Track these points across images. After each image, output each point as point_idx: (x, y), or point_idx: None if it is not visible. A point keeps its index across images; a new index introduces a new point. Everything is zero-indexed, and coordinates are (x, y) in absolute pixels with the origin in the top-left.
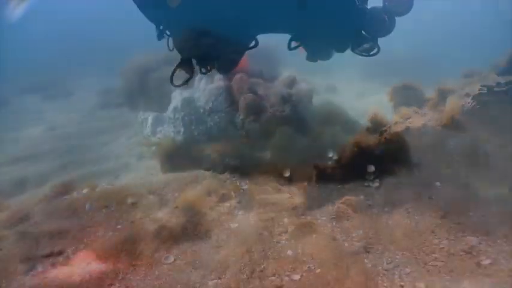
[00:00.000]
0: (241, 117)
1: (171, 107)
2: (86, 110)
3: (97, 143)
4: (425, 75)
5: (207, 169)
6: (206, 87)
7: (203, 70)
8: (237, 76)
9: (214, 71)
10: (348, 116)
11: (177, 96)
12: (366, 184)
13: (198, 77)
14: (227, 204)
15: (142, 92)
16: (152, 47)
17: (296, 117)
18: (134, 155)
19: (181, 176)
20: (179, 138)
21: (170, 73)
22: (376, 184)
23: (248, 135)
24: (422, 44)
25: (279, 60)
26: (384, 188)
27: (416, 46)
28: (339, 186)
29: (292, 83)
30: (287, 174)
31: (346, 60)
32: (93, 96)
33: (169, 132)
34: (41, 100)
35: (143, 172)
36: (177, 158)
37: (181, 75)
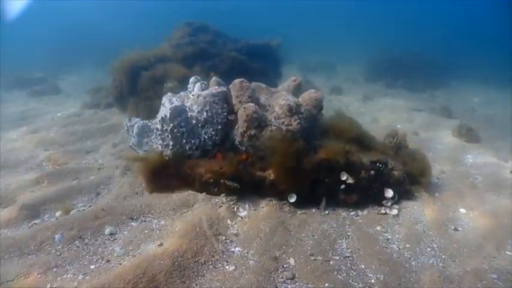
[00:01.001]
0: (240, 130)
1: (158, 117)
2: (73, 109)
3: (80, 149)
4: (434, 77)
5: (200, 190)
6: (200, 93)
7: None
8: (236, 81)
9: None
10: (363, 130)
11: (166, 104)
12: (382, 211)
13: (191, 80)
14: (222, 237)
15: (132, 92)
16: (144, 44)
17: (305, 133)
18: (119, 166)
19: (169, 199)
20: (168, 152)
21: (163, 72)
22: (395, 211)
23: (248, 152)
24: (427, 44)
25: (281, 59)
26: (403, 217)
27: (421, 45)
28: (352, 212)
29: (298, 88)
30: (293, 199)
31: (347, 59)
32: (83, 94)
33: (157, 145)
34: (27, 96)
35: (127, 189)
36: (165, 175)
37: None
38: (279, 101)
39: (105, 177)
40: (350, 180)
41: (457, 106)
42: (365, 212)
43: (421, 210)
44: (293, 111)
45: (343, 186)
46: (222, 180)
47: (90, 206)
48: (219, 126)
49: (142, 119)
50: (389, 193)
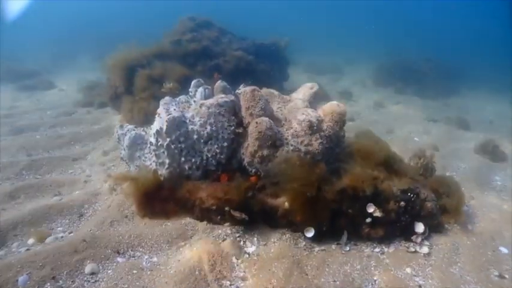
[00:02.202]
0: (250, 149)
1: (153, 129)
2: (64, 107)
3: (67, 156)
4: (445, 84)
5: (200, 218)
6: (203, 102)
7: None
8: (248, 90)
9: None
10: (392, 152)
11: (162, 114)
12: (412, 249)
13: (193, 83)
14: (226, 282)
15: (128, 92)
16: (143, 39)
17: (326, 154)
18: (108, 180)
19: (163, 228)
20: (163, 172)
21: (161, 71)
22: (426, 249)
23: (258, 175)
24: (436, 49)
25: (289, 60)
26: (435, 256)
27: (430, 50)
28: (377, 249)
29: (314, 96)
30: (310, 233)
31: (354, 61)
32: (77, 90)
33: (150, 162)
34: (17, 90)
35: (115, 211)
36: (159, 199)
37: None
38: (298, 115)
39: (92, 194)
40: (378, 214)
41: (472, 116)
42: (391, 248)
43: (455, 249)
44: (314, 128)
45: (369, 220)
46: (227, 208)
47: (70, 233)
48: (225, 143)
49: (136, 126)
50: (420, 228)
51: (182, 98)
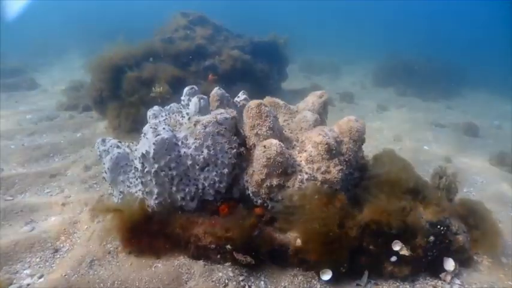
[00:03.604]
0: (256, 177)
1: (138, 151)
2: (46, 111)
3: (44, 171)
4: (446, 85)
5: (196, 256)
6: (199, 120)
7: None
8: (253, 105)
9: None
10: (418, 176)
11: (149, 135)
12: None
13: (186, 91)
14: None
15: (114, 96)
16: (132, 37)
17: (346, 181)
18: (89, 203)
19: (152, 271)
20: (151, 203)
21: (151, 73)
22: None
23: (265, 206)
24: (435, 48)
25: (287, 59)
26: None
27: (429, 50)
28: None
29: (324, 107)
30: (327, 277)
31: (352, 60)
32: (61, 91)
33: (136, 189)
34: None
35: (96, 245)
36: (148, 235)
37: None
38: (313, 136)
39: (69, 222)
40: (405, 252)
41: (478, 120)
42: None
43: None
44: (333, 152)
45: (394, 259)
46: (228, 247)
47: (40, 277)
48: (225, 170)
49: (120, 140)
50: (450, 265)
51: (174, 106)
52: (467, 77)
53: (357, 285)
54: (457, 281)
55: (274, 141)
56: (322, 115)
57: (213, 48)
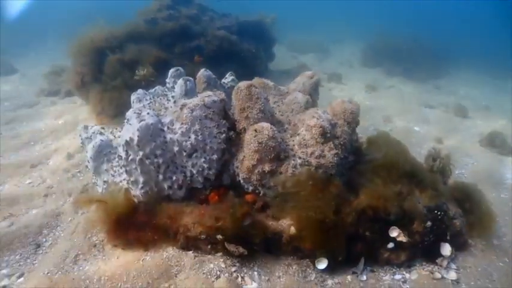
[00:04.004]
0: (247, 163)
1: (121, 138)
2: (25, 98)
3: (24, 161)
4: (434, 65)
5: (185, 247)
6: (185, 103)
7: None
8: (242, 86)
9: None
10: (415, 160)
11: (132, 120)
12: (438, 275)
13: (171, 73)
14: None
15: (96, 80)
16: (114, 18)
17: (341, 166)
18: (73, 193)
19: (140, 264)
20: (137, 193)
21: (134, 55)
22: (453, 275)
23: (257, 193)
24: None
25: (275, 39)
26: (466, 285)
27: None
28: (398, 276)
29: (315, 87)
30: (322, 265)
31: (339, 39)
32: (42, 76)
33: (121, 179)
34: None
35: (81, 239)
36: (134, 226)
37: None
38: (307, 119)
39: (52, 214)
40: (403, 238)
41: (466, 101)
42: (414, 274)
43: (488, 274)
44: (327, 136)
45: (391, 245)
46: (219, 237)
47: (19, 277)
48: (214, 156)
49: (103, 126)
50: (447, 250)
51: (158, 89)
52: (453, 57)
53: (353, 272)
54: (453, 266)
55: (266, 125)
56: (313, 96)
57: (198, 29)
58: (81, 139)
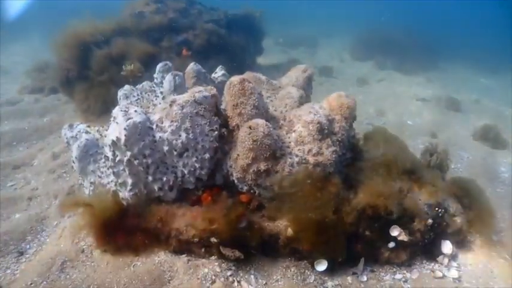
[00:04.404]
0: (241, 162)
1: (108, 137)
2: (7, 95)
3: (7, 162)
4: (424, 58)
5: (178, 251)
6: (175, 99)
7: None
8: (234, 81)
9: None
10: (414, 155)
11: (119, 118)
12: (439, 273)
13: (159, 68)
14: None
15: (82, 76)
16: (101, 12)
17: (341, 166)
18: (58, 195)
19: (131, 270)
20: (125, 195)
21: (121, 50)
22: (454, 273)
23: (252, 193)
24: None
25: (263, 32)
26: (467, 282)
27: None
28: (398, 276)
29: (308, 82)
30: (322, 267)
31: (329, 33)
32: (25, 73)
33: (108, 180)
34: None
35: (67, 244)
36: (124, 230)
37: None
38: (303, 115)
39: (36, 218)
40: (404, 238)
41: (458, 94)
42: (415, 273)
43: (488, 271)
44: (325, 132)
45: (392, 245)
46: (214, 240)
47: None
48: (206, 155)
49: (89, 125)
50: (447, 248)
51: (146, 85)
52: (443, 50)
53: (353, 273)
54: (454, 264)
55: (261, 122)
56: (306, 90)
57: (186, 23)
58: (66, 138)
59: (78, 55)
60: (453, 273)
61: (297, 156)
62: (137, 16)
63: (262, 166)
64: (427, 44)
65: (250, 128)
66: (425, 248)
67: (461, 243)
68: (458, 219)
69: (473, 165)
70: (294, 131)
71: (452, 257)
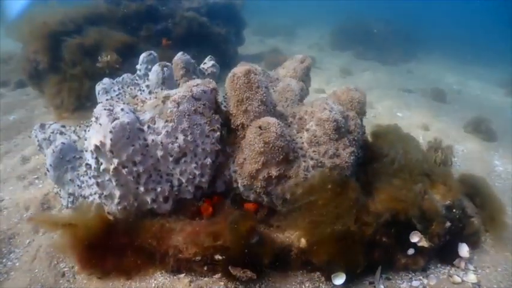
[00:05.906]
0: (250, 167)
1: (89, 141)
2: None
3: None
4: (403, 48)
5: (177, 270)
6: (168, 94)
7: None
8: (240, 73)
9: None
10: (427, 154)
11: (103, 119)
12: (457, 279)
13: (143, 58)
14: None
15: (53, 68)
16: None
17: (358, 169)
18: (30, 206)
19: None
20: (112, 209)
21: (96, 39)
22: (473, 277)
23: (261, 200)
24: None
25: (245, 22)
26: (486, 286)
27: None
28: (415, 283)
29: (306, 72)
30: (339, 281)
31: (306, 22)
32: None
33: (90, 192)
34: None
35: (44, 268)
36: (112, 250)
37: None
38: (318, 111)
39: (3, 236)
40: (425, 244)
41: (441, 85)
42: (432, 279)
43: (509, 274)
44: (341, 130)
45: (411, 251)
46: (218, 257)
47: None
48: (208, 160)
49: (64, 125)
50: (465, 251)
51: (126, 78)
52: (421, 40)
53: (370, 283)
54: (471, 267)
55: (272, 120)
56: (305, 82)
57: (165, 11)
58: (38, 141)
59: (47, 46)
60: (471, 277)
61: (312, 159)
62: (112, 3)
63: (274, 171)
64: (406, 35)
65: (260, 128)
66: (440, 252)
67: (475, 244)
68: (475, 221)
69: (469, 158)
70: (307, 130)
71: (469, 259)
